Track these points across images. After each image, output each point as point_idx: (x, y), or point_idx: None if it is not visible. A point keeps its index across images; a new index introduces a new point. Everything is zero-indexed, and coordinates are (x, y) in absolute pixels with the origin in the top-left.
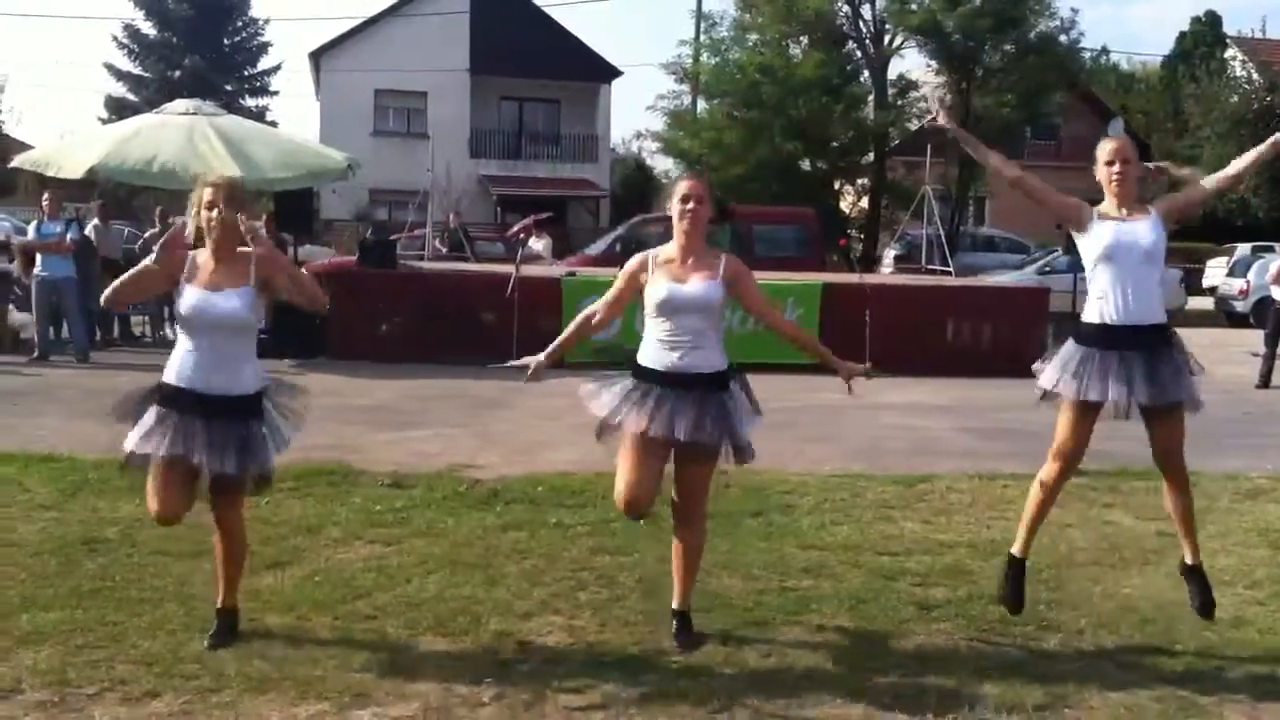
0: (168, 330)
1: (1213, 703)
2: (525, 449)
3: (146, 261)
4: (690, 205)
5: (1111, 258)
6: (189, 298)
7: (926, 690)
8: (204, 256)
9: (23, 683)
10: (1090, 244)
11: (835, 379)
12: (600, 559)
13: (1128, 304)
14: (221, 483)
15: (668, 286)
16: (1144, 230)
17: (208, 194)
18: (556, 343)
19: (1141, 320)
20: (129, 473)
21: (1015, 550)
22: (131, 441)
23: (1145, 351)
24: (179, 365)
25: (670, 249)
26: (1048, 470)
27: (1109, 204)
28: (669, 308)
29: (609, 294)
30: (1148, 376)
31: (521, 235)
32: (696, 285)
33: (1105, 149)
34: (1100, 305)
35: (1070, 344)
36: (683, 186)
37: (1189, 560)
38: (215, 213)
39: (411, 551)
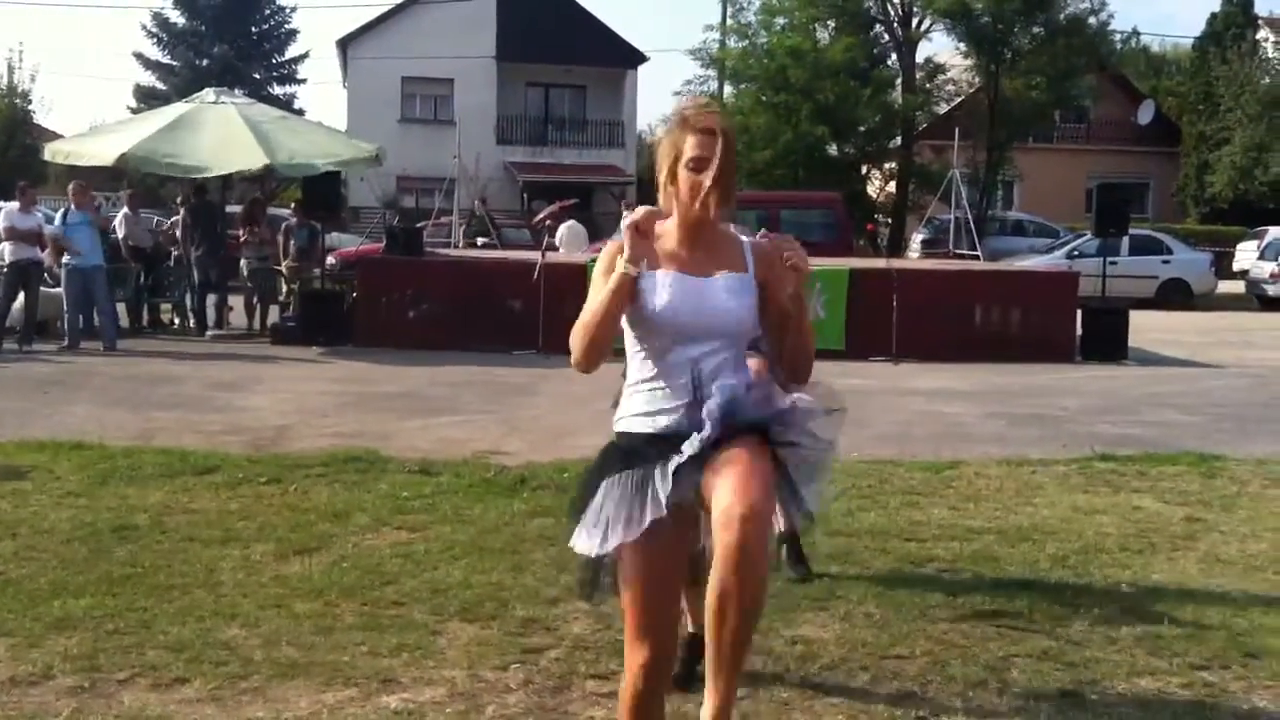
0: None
1: (1242, 688)
2: (552, 435)
3: (621, 268)
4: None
5: None
6: (663, 288)
7: (953, 677)
8: (665, 232)
9: (54, 668)
10: None
11: (864, 364)
12: None
13: None
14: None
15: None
16: None
17: (694, 143)
18: None
19: None
20: (592, 590)
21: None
22: (583, 540)
23: None
24: (643, 403)
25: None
26: None
27: None
28: None
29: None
30: None
31: (548, 222)
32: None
33: None
34: None
35: None
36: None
37: None
38: (712, 168)
39: (439, 538)
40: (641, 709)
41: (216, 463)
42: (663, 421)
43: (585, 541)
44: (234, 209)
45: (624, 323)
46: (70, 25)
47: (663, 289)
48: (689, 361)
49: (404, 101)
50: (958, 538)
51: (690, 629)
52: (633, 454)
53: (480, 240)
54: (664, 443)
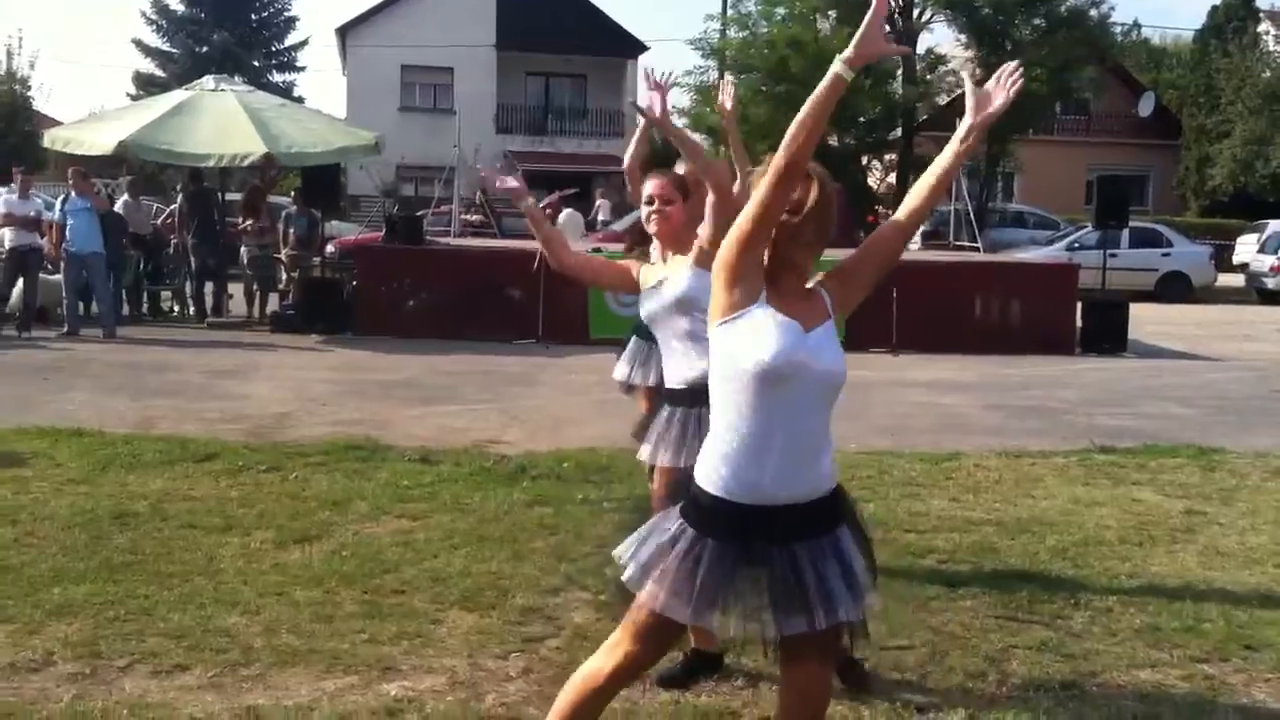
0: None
1: (1241, 681)
2: (551, 425)
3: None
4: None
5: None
6: (785, 335)
7: (953, 668)
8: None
9: (55, 655)
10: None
11: (864, 356)
12: (626, 535)
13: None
14: (810, 644)
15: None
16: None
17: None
18: None
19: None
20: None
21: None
22: (630, 560)
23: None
24: (739, 460)
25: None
26: None
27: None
28: (648, 315)
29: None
30: None
31: (548, 211)
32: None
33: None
34: None
35: None
36: (649, 186)
37: None
38: (815, 193)
39: (438, 526)
40: (594, 700)
41: (216, 450)
42: (734, 488)
43: (631, 565)
44: (234, 197)
45: (720, 366)
46: (70, 11)
47: (769, 332)
48: (782, 421)
49: (403, 90)
50: (957, 529)
51: (694, 645)
52: (708, 516)
53: (476, 217)
54: (734, 513)
